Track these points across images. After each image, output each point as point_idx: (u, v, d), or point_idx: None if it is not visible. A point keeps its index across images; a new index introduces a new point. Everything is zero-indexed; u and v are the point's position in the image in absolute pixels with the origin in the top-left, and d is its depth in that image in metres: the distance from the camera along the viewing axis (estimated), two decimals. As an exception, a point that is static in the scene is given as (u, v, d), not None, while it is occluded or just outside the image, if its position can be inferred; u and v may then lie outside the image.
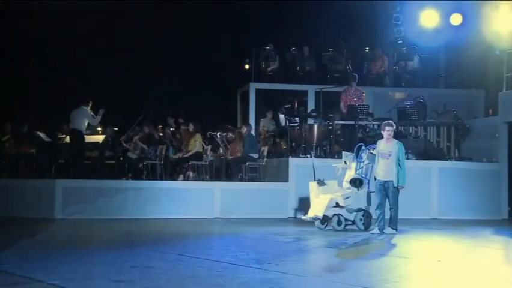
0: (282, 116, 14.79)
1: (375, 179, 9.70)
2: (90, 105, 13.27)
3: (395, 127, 9.86)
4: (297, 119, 13.95)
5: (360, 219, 10.10)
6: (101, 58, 18.20)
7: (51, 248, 7.83)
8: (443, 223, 12.11)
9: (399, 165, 9.46)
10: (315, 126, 13.43)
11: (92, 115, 13.26)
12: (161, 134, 15.34)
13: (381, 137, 9.89)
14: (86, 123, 13.19)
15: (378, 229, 9.54)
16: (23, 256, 6.92)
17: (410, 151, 13.94)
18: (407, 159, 13.71)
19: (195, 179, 13.62)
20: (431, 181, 13.22)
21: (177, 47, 18.79)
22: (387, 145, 9.64)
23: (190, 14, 18.72)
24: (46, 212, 11.94)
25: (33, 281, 5.40)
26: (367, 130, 14.00)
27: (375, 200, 9.79)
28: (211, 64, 18.66)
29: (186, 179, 13.55)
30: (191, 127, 13.75)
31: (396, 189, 9.50)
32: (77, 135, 13.07)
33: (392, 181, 9.48)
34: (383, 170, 9.56)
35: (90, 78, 17.76)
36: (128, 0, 17.92)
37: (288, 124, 13.93)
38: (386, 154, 9.57)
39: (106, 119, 15.07)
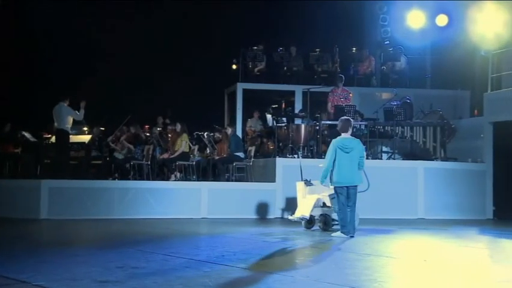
0: (269, 116, 14.80)
1: None
2: (68, 100, 13.03)
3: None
4: (284, 119, 13.97)
5: (347, 219, 10.11)
6: (89, 57, 18.13)
7: (36, 248, 7.77)
8: (429, 223, 12.18)
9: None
10: (302, 126, 13.46)
11: (75, 111, 13.06)
12: (148, 134, 15.29)
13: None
14: (71, 121, 13.01)
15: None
16: (7, 257, 6.86)
17: (396, 151, 14.04)
18: (393, 159, 13.86)
19: (181, 179, 13.59)
20: (417, 181, 13.30)
21: (165, 47, 18.74)
22: None
23: (178, 15, 18.68)
24: (31, 213, 11.85)
25: (17, 282, 5.35)
26: (354, 130, 14.03)
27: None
28: (199, 64, 18.64)
29: (176, 179, 13.51)
30: (178, 127, 13.72)
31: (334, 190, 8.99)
32: (63, 135, 12.95)
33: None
34: None
35: (77, 77, 17.67)
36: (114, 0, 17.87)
37: (275, 124, 13.94)
38: None
39: (93, 119, 15.01)
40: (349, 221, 8.94)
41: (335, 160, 8.88)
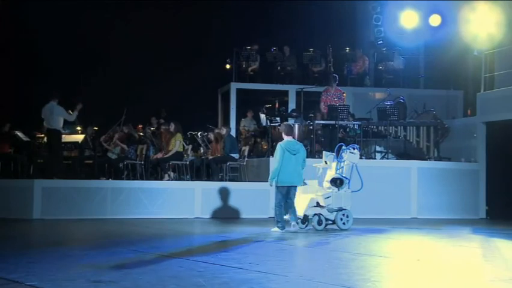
0: (263, 116, 14.81)
1: None
2: (58, 99, 12.87)
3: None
4: (278, 118, 13.99)
5: (341, 219, 10.16)
6: (84, 57, 18.09)
7: (29, 248, 7.74)
8: (422, 222, 12.21)
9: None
10: (296, 126, 13.46)
11: (68, 112, 12.92)
12: (141, 134, 15.26)
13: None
14: (62, 121, 12.87)
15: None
16: (0, 257, 6.83)
17: (390, 151, 14.08)
18: (387, 159, 13.90)
19: (175, 179, 13.57)
20: (411, 181, 13.34)
21: (159, 47, 18.71)
22: None
23: (172, 15, 18.66)
24: (24, 213, 11.80)
25: (10, 282, 5.32)
26: (347, 130, 14.09)
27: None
28: (192, 64, 18.62)
29: (170, 178, 13.49)
30: (172, 127, 13.69)
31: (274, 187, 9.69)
32: (55, 135, 12.83)
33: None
34: None
35: (72, 77, 17.63)
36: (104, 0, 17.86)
37: (268, 124, 13.95)
38: None
39: (86, 119, 14.95)
40: (290, 214, 9.72)
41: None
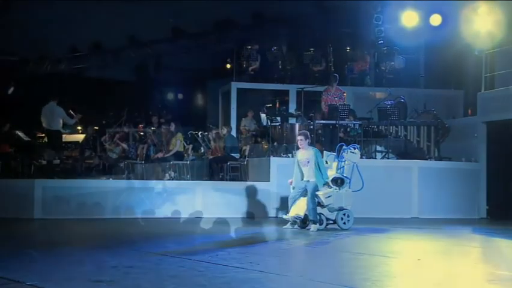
0: (263, 116, 14.81)
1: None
2: (58, 99, 12.85)
3: (305, 137, 10.16)
4: (278, 118, 13.99)
5: (342, 218, 10.16)
6: (82, 56, 18.09)
7: (30, 248, 7.74)
8: (423, 222, 12.21)
9: (319, 168, 9.87)
10: (297, 125, 13.47)
11: (67, 114, 12.93)
12: (141, 133, 15.28)
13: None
14: (61, 122, 12.87)
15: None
16: (0, 256, 6.83)
17: (390, 150, 14.08)
18: (387, 158, 13.89)
19: (176, 179, 13.57)
20: (411, 180, 13.33)
21: (159, 46, 18.71)
22: (304, 153, 10.09)
23: (172, 13, 18.66)
24: (25, 212, 11.80)
25: (11, 282, 5.32)
26: (348, 130, 14.08)
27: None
28: (193, 64, 18.62)
29: (170, 178, 13.50)
30: (172, 126, 13.71)
31: (315, 187, 9.89)
32: (55, 135, 12.83)
33: (312, 181, 9.92)
34: (306, 174, 10.06)
35: (71, 77, 17.64)
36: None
37: (269, 123, 13.95)
38: (304, 162, 10.02)
39: (87, 119, 14.97)
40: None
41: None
